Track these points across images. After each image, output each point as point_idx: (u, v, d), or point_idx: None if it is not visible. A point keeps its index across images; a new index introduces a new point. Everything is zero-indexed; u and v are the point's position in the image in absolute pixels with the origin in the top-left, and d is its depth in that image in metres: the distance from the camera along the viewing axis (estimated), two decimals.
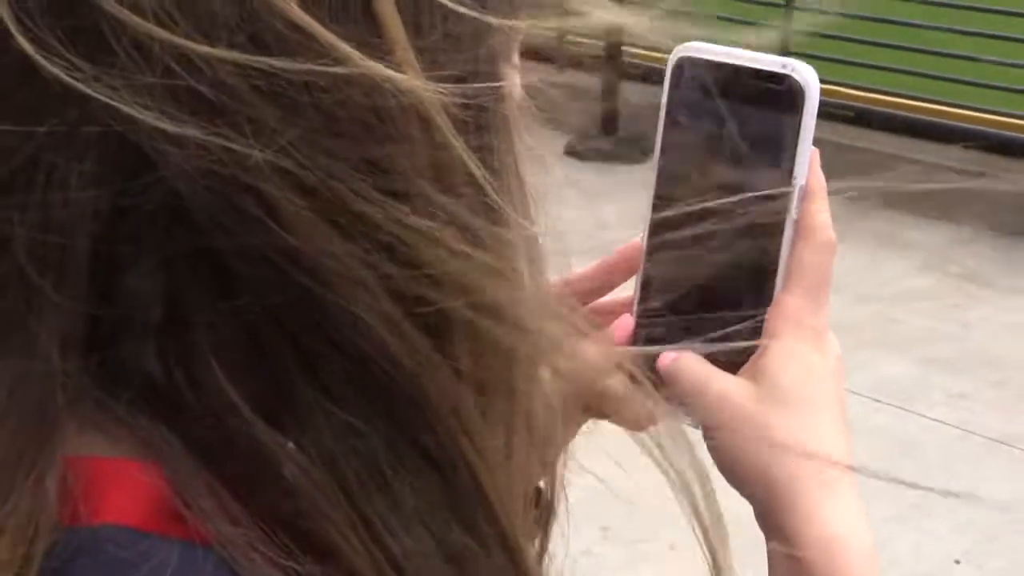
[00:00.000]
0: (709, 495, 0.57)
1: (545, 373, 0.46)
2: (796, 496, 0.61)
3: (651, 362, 0.68)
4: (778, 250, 0.66)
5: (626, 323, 0.69)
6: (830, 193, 0.66)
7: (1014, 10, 5.75)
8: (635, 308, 0.70)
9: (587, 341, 0.69)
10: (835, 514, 0.61)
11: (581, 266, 0.71)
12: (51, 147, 0.39)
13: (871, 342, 4.14)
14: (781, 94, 0.65)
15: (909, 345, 4.35)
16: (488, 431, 0.44)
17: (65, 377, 0.40)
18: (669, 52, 0.67)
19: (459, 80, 0.41)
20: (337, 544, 0.41)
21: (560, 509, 0.56)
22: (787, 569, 0.62)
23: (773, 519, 0.62)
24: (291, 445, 0.42)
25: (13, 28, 0.38)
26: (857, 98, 5.86)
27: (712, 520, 0.56)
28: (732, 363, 0.66)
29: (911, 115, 5.82)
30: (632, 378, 0.70)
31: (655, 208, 0.68)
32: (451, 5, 0.42)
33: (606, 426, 0.67)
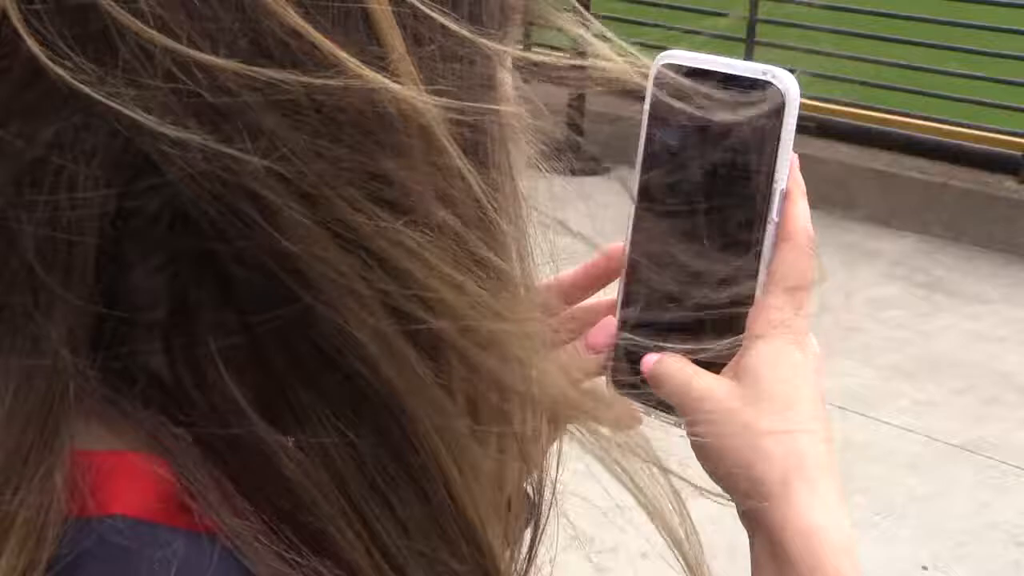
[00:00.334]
0: (682, 513, 0.57)
1: (534, 389, 0.46)
2: (778, 491, 0.62)
3: (635, 363, 0.69)
4: (759, 252, 0.67)
5: (609, 325, 0.70)
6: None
7: (975, 23, 5.81)
8: (618, 310, 0.71)
9: (569, 348, 0.70)
10: (816, 507, 0.62)
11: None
12: (58, 148, 0.39)
13: (837, 350, 4.17)
14: (762, 101, 0.67)
15: (874, 353, 4.39)
16: (479, 452, 0.44)
17: (73, 373, 0.41)
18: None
19: (457, 90, 0.42)
20: (335, 539, 0.42)
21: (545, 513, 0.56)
22: (769, 564, 0.63)
23: (756, 515, 0.63)
24: (291, 443, 0.42)
25: (22, 30, 0.38)
26: (820, 110, 5.91)
27: (687, 534, 0.57)
28: (715, 363, 0.67)
29: (872, 126, 5.87)
30: (615, 381, 0.71)
31: (637, 212, 0.70)
32: (445, 22, 0.42)
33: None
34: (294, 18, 0.39)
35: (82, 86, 0.38)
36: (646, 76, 0.55)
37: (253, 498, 0.42)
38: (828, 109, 5.92)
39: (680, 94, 0.67)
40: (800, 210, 0.67)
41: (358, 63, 0.39)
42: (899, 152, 5.76)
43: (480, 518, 0.44)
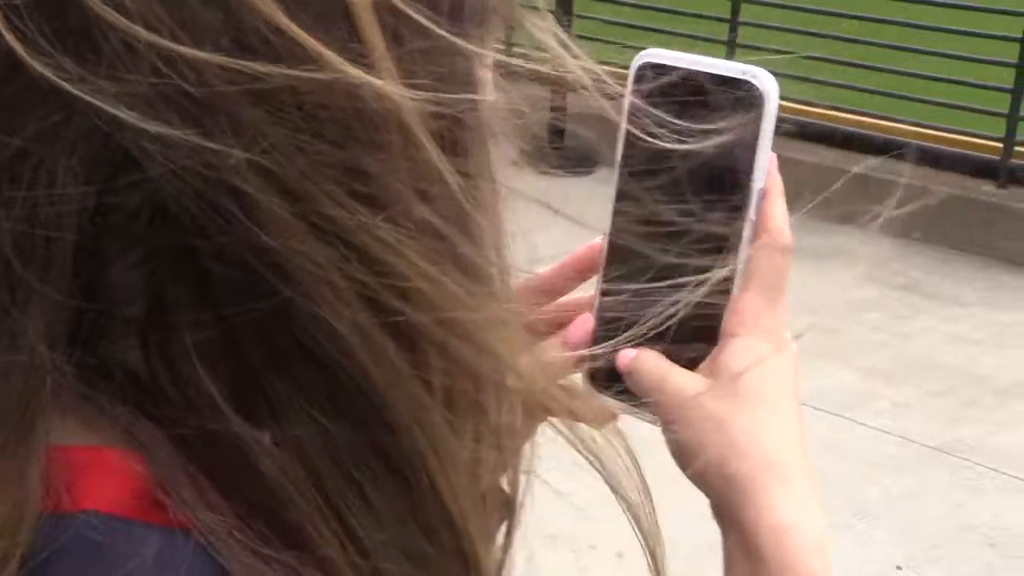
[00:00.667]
0: (648, 505, 0.58)
1: (509, 381, 0.47)
2: (752, 489, 0.62)
3: (612, 360, 0.69)
4: (737, 251, 0.67)
5: (586, 322, 0.71)
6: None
7: (950, 28, 5.84)
8: (596, 306, 0.71)
9: (546, 344, 0.70)
10: (788, 505, 0.62)
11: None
12: (38, 143, 0.39)
13: (815, 352, 4.18)
14: (741, 100, 0.67)
15: (852, 355, 4.40)
16: (455, 442, 0.45)
17: (50, 369, 0.41)
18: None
19: (436, 88, 0.42)
20: (310, 535, 0.43)
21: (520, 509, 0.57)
22: (742, 561, 0.63)
23: (729, 512, 0.63)
24: (267, 439, 0.43)
25: (1, 25, 0.38)
26: (799, 112, 5.93)
27: (651, 526, 0.58)
28: (691, 361, 0.68)
29: (851, 129, 5.89)
30: (592, 377, 0.71)
31: (616, 210, 0.70)
32: (424, 21, 0.42)
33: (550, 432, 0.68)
34: (277, 15, 0.39)
35: (62, 82, 0.38)
36: (609, 95, 0.55)
37: (228, 494, 0.42)
38: (807, 112, 5.94)
39: (660, 91, 0.68)
40: (778, 209, 0.68)
41: (340, 60, 0.40)
42: (878, 155, 5.77)
43: (460, 507, 0.45)
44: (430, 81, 0.42)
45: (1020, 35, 5.43)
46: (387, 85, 0.40)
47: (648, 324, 0.69)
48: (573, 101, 0.60)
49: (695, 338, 0.68)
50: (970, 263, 5.33)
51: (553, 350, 0.69)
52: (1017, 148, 5.51)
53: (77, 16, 0.38)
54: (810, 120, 5.93)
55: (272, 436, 0.43)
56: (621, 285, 0.70)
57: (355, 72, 0.40)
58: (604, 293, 0.71)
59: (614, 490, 0.56)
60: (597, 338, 0.70)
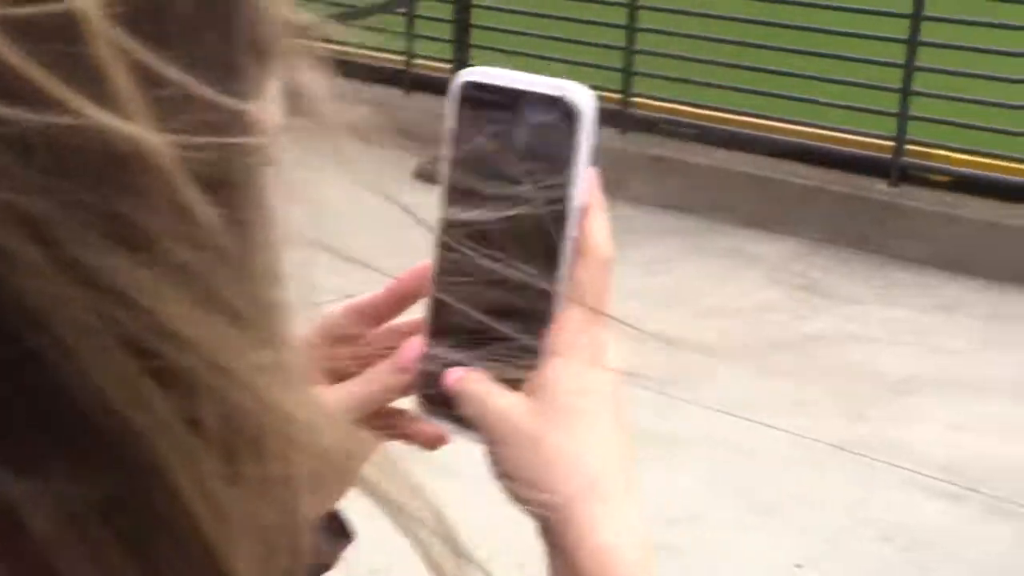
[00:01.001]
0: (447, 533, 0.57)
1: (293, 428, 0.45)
2: (570, 510, 0.62)
3: (439, 382, 0.68)
4: (558, 269, 0.67)
5: (414, 345, 0.70)
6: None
7: (841, 30, 5.95)
8: (425, 329, 0.71)
9: (338, 387, 0.69)
10: (609, 525, 0.62)
11: None
12: None
13: (716, 354, 4.22)
14: (558, 116, 0.67)
15: (753, 356, 4.46)
16: (233, 492, 0.43)
17: None
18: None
19: (196, 129, 0.41)
20: None
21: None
22: None
23: (551, 534, 0.63)
24: (37, 496, 0.41)
25: None
26: (699, 116, 6.00)
27: (453, 557, 0.57)
28: (520, 382, 0.67)
29: (748, 131, 5.98)
30: (422, 401, 0.70)
31: (441, 229, 0.69)
32: (167, 73, 0.40)
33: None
34: (14, 56, 0.38)
35: None
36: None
37: (3, 558, 0.41)
38: (704, 116, 6.01)
39: (480, 111, 0.68)
40: (598, 225, 0.67)
41: (85, 102, 0.38)
42: (773, 156, 5.86)
43: (231, 556, 0.43)
44: (189, 121, 0.41)
45: (906, 37, 5.55)
46: (135, 129, 0.39)
47: (477, 345, 0.68)
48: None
49: (522, 358, 0.67)
50: (867, 261, 5.42)
51: (342, 392, 0.69)
52: (907, 147, 5.63)
53: None
54: (706, 124, 6.00)
55: (40, 493, 0.41)
56: (449, 307, 0.69)
57: (99, 115, 0.38)
58: (433, 315, 0.70)
59: (396, 521, 0.55)
60: (426, 360, 0.70)
